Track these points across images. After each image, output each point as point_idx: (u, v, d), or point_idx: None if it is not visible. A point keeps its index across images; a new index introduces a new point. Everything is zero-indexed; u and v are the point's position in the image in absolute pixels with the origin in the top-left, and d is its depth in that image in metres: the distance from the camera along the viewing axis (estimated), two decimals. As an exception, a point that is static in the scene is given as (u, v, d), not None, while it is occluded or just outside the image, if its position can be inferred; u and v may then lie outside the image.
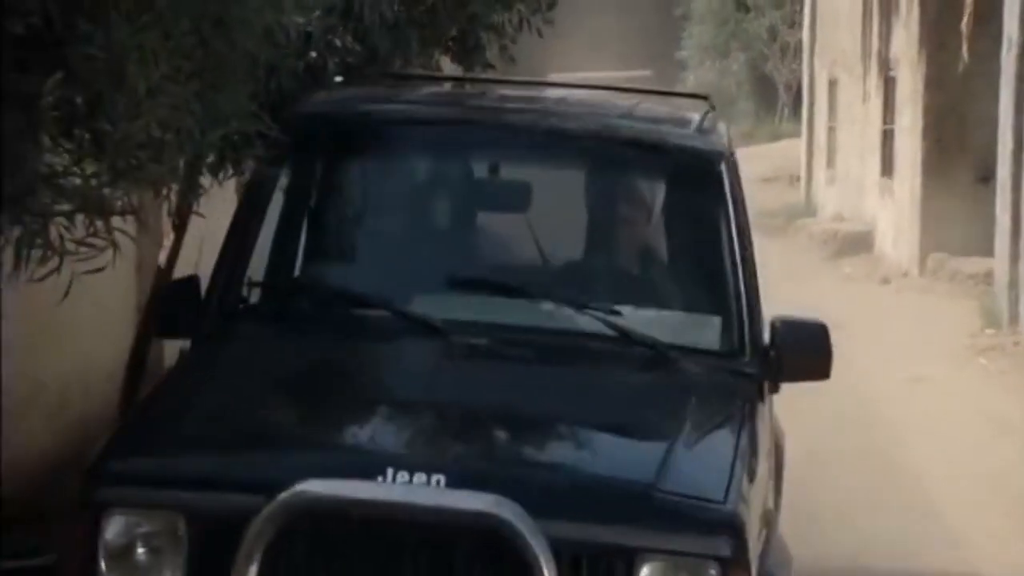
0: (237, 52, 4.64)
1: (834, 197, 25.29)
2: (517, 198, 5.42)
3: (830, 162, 26.15)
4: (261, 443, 4.23)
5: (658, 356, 4.82)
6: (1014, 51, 15.54)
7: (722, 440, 4.47)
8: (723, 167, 5.28)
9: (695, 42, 37.77)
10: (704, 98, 6.18)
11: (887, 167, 21.70)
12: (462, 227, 5.55)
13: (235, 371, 4.74)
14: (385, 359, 4.86)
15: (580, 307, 4.93)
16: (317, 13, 5.47)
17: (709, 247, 5.15)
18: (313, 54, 5.76)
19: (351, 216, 5.53)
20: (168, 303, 5.22)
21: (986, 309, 15.75)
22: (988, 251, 16.39)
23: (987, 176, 17.11)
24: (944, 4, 18.65)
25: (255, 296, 5.11)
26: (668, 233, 5.48)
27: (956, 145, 18.80)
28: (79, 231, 4.32)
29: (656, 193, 5.56)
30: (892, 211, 20.95)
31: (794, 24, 32.49)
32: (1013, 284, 15.27)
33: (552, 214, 5.43)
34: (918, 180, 19.53)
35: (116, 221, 4.39)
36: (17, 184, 3.99)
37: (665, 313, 5.14)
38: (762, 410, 4.84)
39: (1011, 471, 9.89)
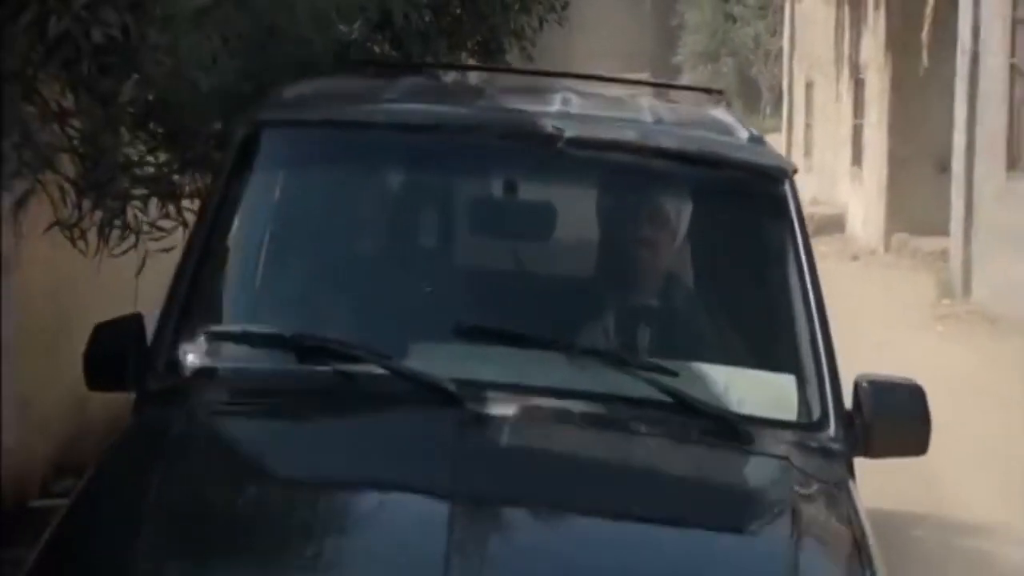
0: (285, 58, 4.66)
1: (810, 184, 25.22)
2: (537, 224, 3.83)
3: (807, 154, 26.12)
4: (236, 571, 2.70)
5: (728, 429, 3.27)
6: (967, 57, 15.54)
7: (843, 553, 3.04)
8: (787, 186, 3.72)
9: (689, 49, 37.71)
10: (719, 92, 4.73)
11: (857, 158, 21.70)
12: (470, 259, 3.89)
13: (195, 455, 3.09)
14: (387, 440, 3.17)
15: (629, 366, 3.34)
16: (358, 23, 5.49)
17: (776, 287, 3.65)
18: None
19: (330, 246, 3.76)
20: (104, 349, 3.45)
21: (942, 282, 15.77)
22: (945, 231, 16.41)
23: (944, 166, 17.10)
24: (907, 15, 18.62)
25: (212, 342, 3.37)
26: (722, 269, 3.81)
27: (917, 139, 18.79)
28: (153, 213, 4.37)
29: (706, 220, 3.76)
30: (861, 197, 20.95)
31: (776, 33, 32.38)
32: (966, 260, 15.35)
33: (576, 243, 3.86)
34: (884, 170, 19.55)
35: (185, 203, 4.44)
36: (99, 173, 4.04)
37: (726, 371, 3.46)
38: (859, 498, 3.28)
39: (964, 417, 10.07)
